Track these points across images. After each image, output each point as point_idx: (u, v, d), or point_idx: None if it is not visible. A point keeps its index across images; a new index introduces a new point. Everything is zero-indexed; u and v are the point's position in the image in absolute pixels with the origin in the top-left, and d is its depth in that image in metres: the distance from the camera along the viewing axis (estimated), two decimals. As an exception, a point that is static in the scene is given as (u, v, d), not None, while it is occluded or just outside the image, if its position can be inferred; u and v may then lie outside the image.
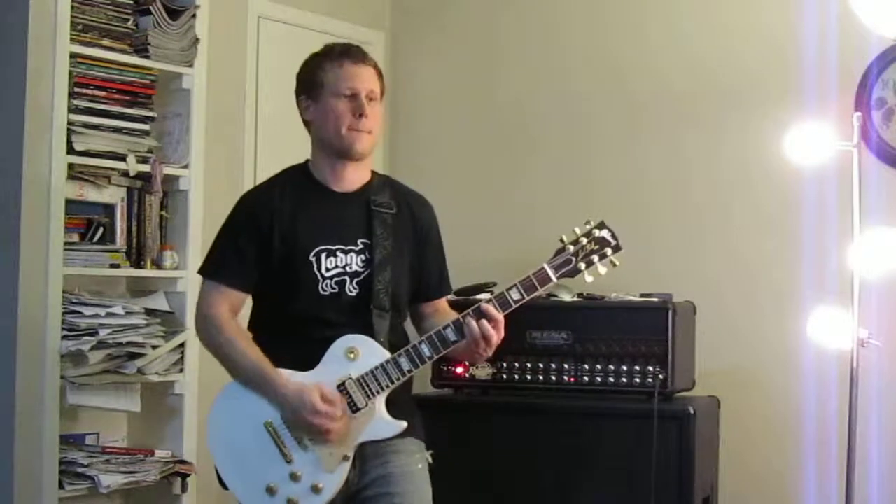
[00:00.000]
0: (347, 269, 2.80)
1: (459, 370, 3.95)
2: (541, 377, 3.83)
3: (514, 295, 2.74)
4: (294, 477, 2.71)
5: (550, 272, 2.74)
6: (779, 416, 4.09)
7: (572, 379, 3.80)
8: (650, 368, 3.70)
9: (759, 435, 4.11)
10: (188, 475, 3.86)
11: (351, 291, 2.80)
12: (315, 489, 2.71)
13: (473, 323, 2.72)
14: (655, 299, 3.80)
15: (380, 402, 2.74)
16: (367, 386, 2.72)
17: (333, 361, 2.74)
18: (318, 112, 2.86)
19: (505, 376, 3.87)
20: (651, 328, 3.71)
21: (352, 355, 2.74)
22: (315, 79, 2.85)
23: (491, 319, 2.71)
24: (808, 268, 3.99)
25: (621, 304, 3.83)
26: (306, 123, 2.93)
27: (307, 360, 2.74)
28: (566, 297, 3.89)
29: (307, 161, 2.94)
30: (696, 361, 3.89)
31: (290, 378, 2.72)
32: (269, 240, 2.79)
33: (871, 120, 3.95)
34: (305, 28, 4.71)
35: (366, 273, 2.80)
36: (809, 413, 3.97)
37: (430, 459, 2.88)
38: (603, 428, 3.67)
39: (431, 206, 3.00)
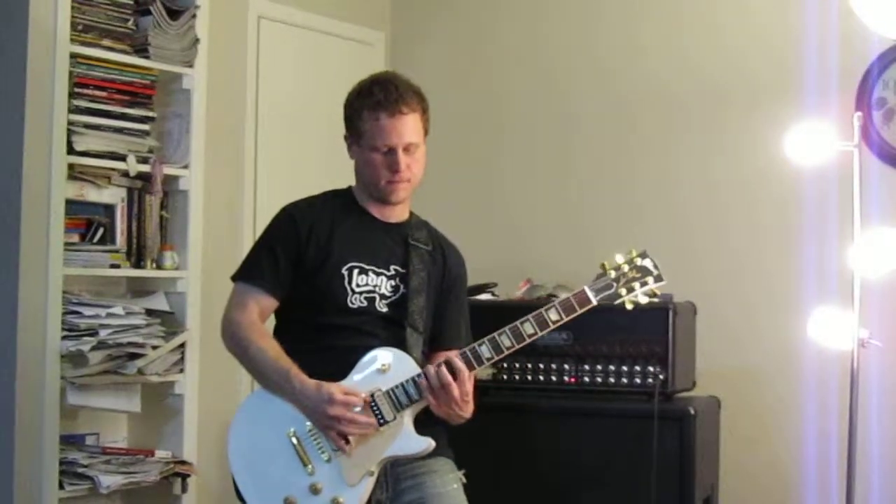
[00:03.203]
0: (377, 289, 2.81)
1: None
2: (541, 377, 3.82)
3: (553, 315, 2.72)
4: (314, 489, 2.65)
5: (591, 295, 2.74)
6: (779, 417, 4.08)
7: (573, 379, 3.79)
8: (651, 369, 3.69)
9: (760, 435, 4.10)
10: (188, 475, 3.86)
11: (381, 308, 2.80)
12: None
13: (431, 370, 2.67)
14: (656, 300, 3.78)
15: (407, 416, 2.70)
16: (396, 399, 2.69)
17: (364, 374, 2.71)
18: (359, 157, 2.87)
19: (505, 376, 3.85)
20: (651, 328, 3.69)
21: (383, 367, 2.71)
22: (354, 124, 2.84)
23: (455, 371, 2.66)
24: (808, 268, 3.98)
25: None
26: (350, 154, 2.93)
27: (336, 368, 2.70)
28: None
29: (350, 187, 2.95)
30: (696, 362, 3.88)
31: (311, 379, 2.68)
32: (306, 248, 2.79)
33: (872, 120, 3.94)
34: (305, 28, 4.71)
35: (393, 298, 2.81)
36: (810, 413, 3.97)
37: (464, 479, 2.85)
38: (603, 428, 3.66)
39: (463, 258, 3.02)
